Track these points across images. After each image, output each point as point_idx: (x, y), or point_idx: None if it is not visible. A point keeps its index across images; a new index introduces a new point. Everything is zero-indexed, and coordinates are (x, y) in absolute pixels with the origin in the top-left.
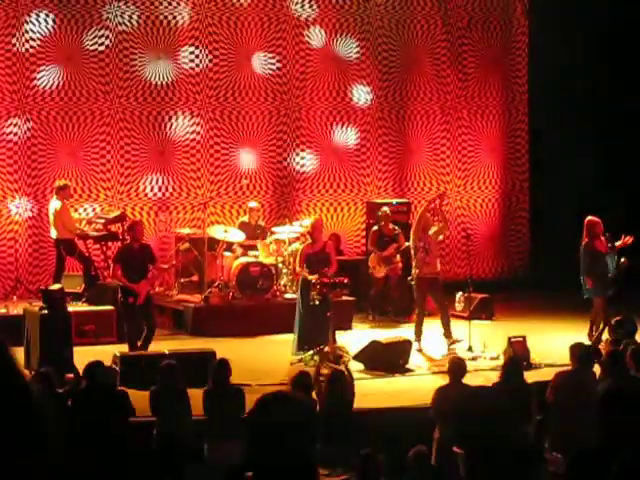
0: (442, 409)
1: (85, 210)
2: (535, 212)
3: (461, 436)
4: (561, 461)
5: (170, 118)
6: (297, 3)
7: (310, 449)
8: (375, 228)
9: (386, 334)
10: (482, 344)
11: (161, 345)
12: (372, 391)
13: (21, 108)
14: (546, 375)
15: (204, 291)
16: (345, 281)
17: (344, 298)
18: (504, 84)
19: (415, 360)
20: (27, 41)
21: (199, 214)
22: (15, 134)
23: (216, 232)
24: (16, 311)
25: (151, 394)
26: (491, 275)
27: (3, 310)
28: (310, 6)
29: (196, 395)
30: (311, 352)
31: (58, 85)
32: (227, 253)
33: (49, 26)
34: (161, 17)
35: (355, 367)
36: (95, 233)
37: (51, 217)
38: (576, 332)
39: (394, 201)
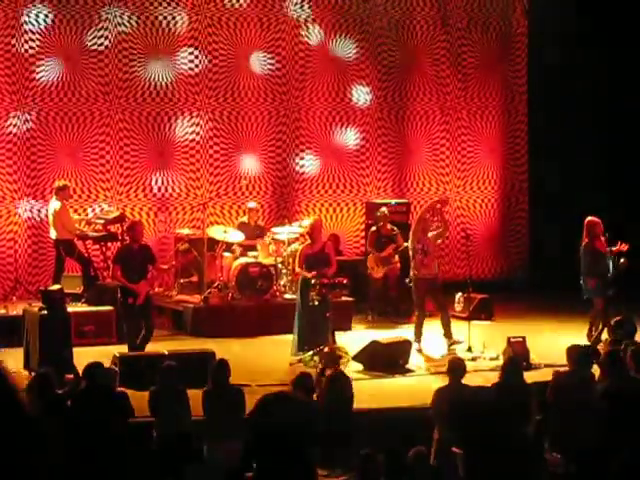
0: (442, 409)
1: (85, 211)
2: (535, 213)
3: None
4: (561, 461)
5: (169, 119)
6: (296, 4)
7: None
8: (373, 229)
9: (386, 334)
10: (482, 344)
11: (161, 345)
12: (372, 391)
13: (20, 109)
14: (546, 375)
15: (203, 291)
16: (344, 281)
17: (343, 299)
18: (503, 85)
19: (415, 360)
20: (26, 41)
21: (198, 214)
22: (15, 135)
23: (215, 233)
24: (15, 312)
25: (150, 395)
26: (490, 275)
27: (3, 311)
28: (309, 7)
29: (196, 395)
30: (310, 352)
31: (57, 85)
32: (226, 254)
33: (48, 26)
34: (160, 17)
35: (355, 367)
36: (94, 234)
37: (50, 218)
38: (576, 332)
39: (393, 201)
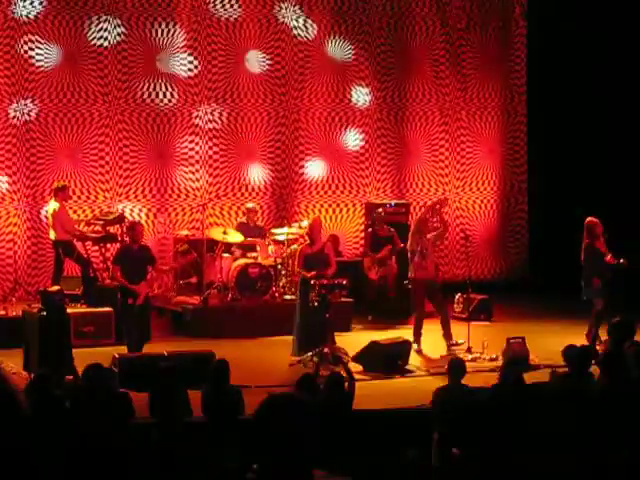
0: (441, 409)
1: (84, 211)
2: (534, 213)
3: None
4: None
5: (169, 119)
6: (295, 5)
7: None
8: (370, 230)
9: (385, 335)
10: (481, 345)
11: (160, 346)
12: (371, 392)
13: (20, 110)
14: (545, 376)
15: (203, 292)
16: (344, 282)
17: (343, 299)
18: (503, 85)
19: (414, 361)
20: (26, 42)
21: (198, 216)
22: (14, 135)
23: (215, 234)
24: (15, 313)
25: (150, 395)
26: (490, 276)
27: (2, 312)
28: (308, 8)
29: (195, 396)
30: (310, 353)
31: (57, 85)
32: (226, 254)
33: (48, 27)
34: (159, 18)
35: (354, 368)
36: (94, 235)
37: (50, 219)
38: (575, 333)
39: (393, 202)
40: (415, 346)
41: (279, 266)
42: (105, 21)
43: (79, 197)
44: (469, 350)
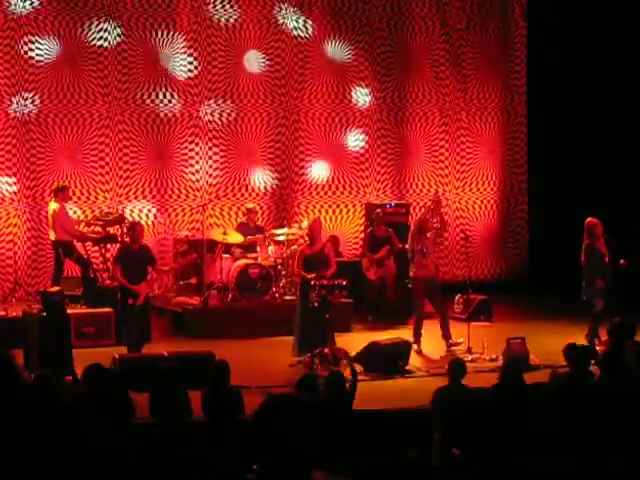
0: (441, 410)
1: (84, 212)
2: (534, 213)
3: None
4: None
5: (169, 120)
6: (295, 5)
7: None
8: (368, 230)
9: (385, 336)
10: (481, 345)
11: (160, 347)
12: (371, 393)
13: (20, 110)
14: (546, 376)
15: (203, 293)
16: (344, 283)
17: (342, 300)
18: (503, 86)
19: (415, 361)
20: (26, 43)
21: (198, 216)
22: (14, 136)
23: (215, 234)
24: (15, 313)
25: (150, 396)
26: (490, 277)
27: (2, 312)
28: (309, 8)
29: (195, 397)
30: (310, 354)
31: (57, 86)
32: (226, 255)
33: (48, 28)
34: (160, 19)
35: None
36: (94, 235)
37: (49, 219)
38: (575, 333)
39: (393, 203)
40: (415, 347)
41: (279, 266)
42: (105, 22)
43: (79, 198)
44: (469, 350)
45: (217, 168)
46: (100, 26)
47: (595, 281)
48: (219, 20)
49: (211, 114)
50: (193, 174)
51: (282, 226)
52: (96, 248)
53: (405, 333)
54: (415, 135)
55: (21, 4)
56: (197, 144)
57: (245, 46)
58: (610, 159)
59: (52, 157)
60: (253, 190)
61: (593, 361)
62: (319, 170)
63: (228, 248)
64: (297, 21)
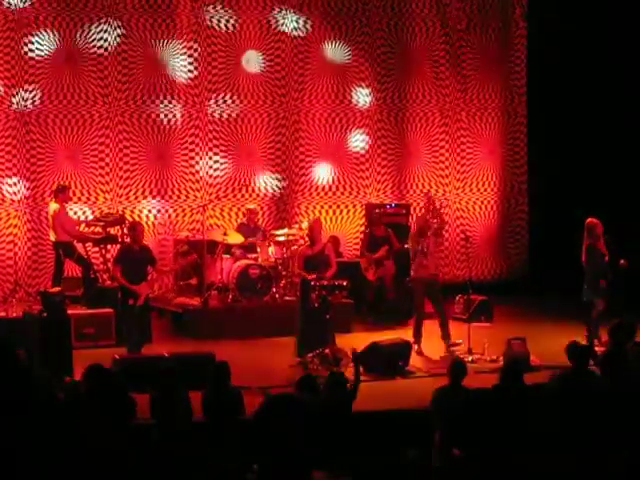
0: (441, 410)
1: (84, 213)
2: (534, 214)
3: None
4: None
5: (169, 121)
6: (294, 6)
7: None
8: (367, 230)
9: (385, 336)
10: (482, 346)
11: (161, 348)
12: (372, 393)
13: (20, 111)
14: (546, 377)
15: (203, 294)
16: (344, 283)
17: (343, 300)
18: (503, 86)
19: (415, 362)
20: (26, 44)
21: (198, 217)
22: (14, 137)
23: (215, 235)
24: (15, 314)
25: (151, 397)
26: (490, 277)
27: (2, 313)
28: (308, 9)
29: (195, 398)
30: (311, 354)
31: (57, 87)
32: (226, 255)
33: (47, 29)
34: (159, 20)
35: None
36: (94, 236)
37: (50, 220)
38: (576, 333)
39: (393, 203)
40: (415, 347)
41: (279, 267)
42: (105, 23)
43: (79, 198)
44: (470, 351)
45: (217, 169)
46: (100, 27)
47: (597, 282)
48: (219, 21)
49: (211, 115)
50: (193, 174)
51: (282, 227)
52: (96, 249)
53: (405, 333)
54: (415, 136)
55: (22, 5)
56: (197, 144)
57: (245, 47)
58: (610, 159)
59: (52, 158)
60: (253, 191)
61: (593, 361)
62: (319, 171)
63: (228, 249)
64: (297, 22)
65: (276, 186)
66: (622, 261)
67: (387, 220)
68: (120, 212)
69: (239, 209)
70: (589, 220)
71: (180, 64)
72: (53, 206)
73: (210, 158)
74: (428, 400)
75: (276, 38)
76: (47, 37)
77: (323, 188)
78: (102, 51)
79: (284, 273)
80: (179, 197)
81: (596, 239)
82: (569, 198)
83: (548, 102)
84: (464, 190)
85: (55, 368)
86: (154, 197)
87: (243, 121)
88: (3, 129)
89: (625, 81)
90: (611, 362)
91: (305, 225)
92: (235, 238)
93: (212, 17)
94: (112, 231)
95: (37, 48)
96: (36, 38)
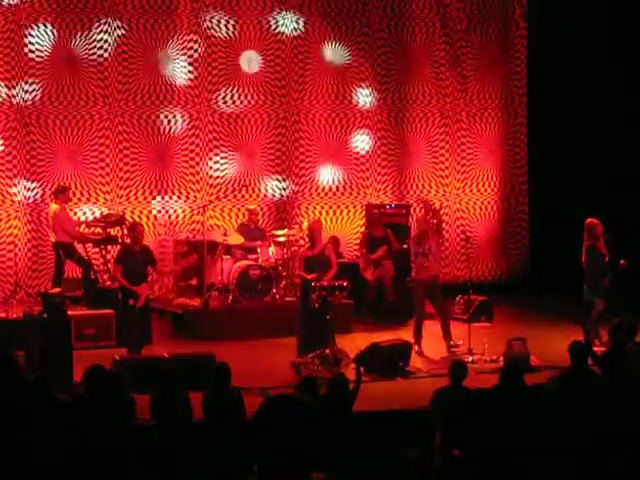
0: (441, 411)
1: (85, 214)
2: (534, 214)
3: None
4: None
5: (169, 122)
6: (295, 7)
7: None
8: (365, 231)
9: (386, 337)
10: (482, 347)
11: (161, 349)
12: (372, 394)
13: (20, 112)
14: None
15: (204, 294)
16: (345, 284)
17: (343, 301)
18: (503, 86)
19: (415, 363)
20: (26, 45)
21: (198, 217)
22: (14, 138)
23: (215, 235)
24: (16, 315)
25: (151, 398)
26: (490, 278)
27: (3, 314)
28: (309, 9)
29: (196, 398)
30: (311, 355)
31: (57, 88)
32: (226, 256)
33: (48, 30)
34: (160, 21)
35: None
36: (94, 236)
37: (50, 220)
38: (576, 334)
39: (393, 204)
40: (416, 347)
41: (280, 267)
42: (105, 23)
43: (79, 199)
44: (470, 352)
45: (217, 169)
46: (100, 28)
47: (597, 282)
48: (219, 22)
49: (211, 115)
50: (194, 175)
51: (283, 227)
52: (97, 249)
53: (406, 334)
54: (415, 136)
55: (22, 6)
56: (197, 145)
57: (245, 48)
58: (610, 160)
59: (52, 158)
60: (254, 191)
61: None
62: (319, 171)
63: (229, 249)
64: (297, 22)
65: (276, 186)
66: (622, 261)
67: (387, 220)
68: (121, 212)
69: (239, 210)
70: (589, 220)
71: (180, 64)
72: (53, 207)
73: (210, 159)
74: (428, 400)
75: (276, 39)
76: (47, 37)
77: (323, 189)
78: (102, 52)
79: (284, 274)
80: (179, 198)
81: (596, 239)
82: (569, 198)
83: (548, 102)
84: (464, 190)
85: (55, 369)
86: (162, 197)
87: (243, 122)
88: (3, 130)
89: (625, 81)
90: (611, 362)
91: (305, 226)
92: (235, 239)
93: (212, 18)
94: (112, 232)
95: (37, 49)
96: (36, 39)
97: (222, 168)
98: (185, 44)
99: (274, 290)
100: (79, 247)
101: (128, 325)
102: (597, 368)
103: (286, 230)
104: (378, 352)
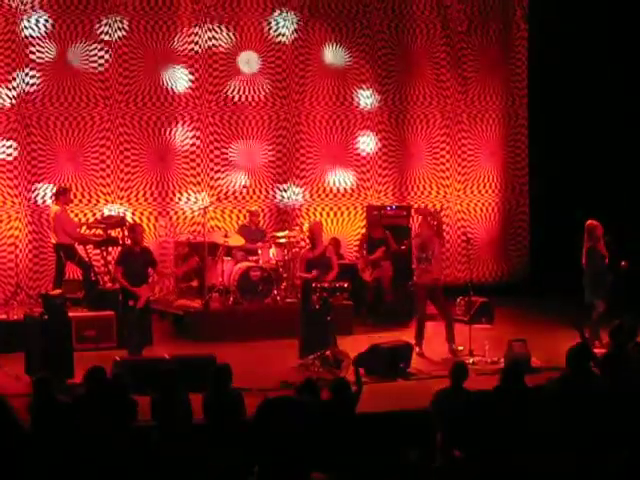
0: (442, 412)
1: (85, 215)
2: (535, 216)
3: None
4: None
5: (170, 123)
6: (295, 9)
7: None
8: (364, 232)
9: (386, 338)
10: (483, 348)
11: (162, 350)
12: (373, 395)
13: (20, 113)
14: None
15: (204, 296)
16: (345, 285)
17: (344, 302)
18: (504, 88)
19: (416, 364)
20: (26, 46)
21: (199, 219)
22: (15, 139)
23: (216, 237)
24: (16, 316)
25: (151, 399)
26: (491, 279)
27: (4, 315)
28: (309, 11)
29: (196, 400)
30: (312, 356)
31: (58, 89)
32: (227, 258)
33: (48, 31)
34: (160, 22)
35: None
36: (95, 238)
37: (51, 222)
38: (576, 335)
39: (394, 205)
40: (417, 349)
41: (281, 269)
42: (106, 24)
43: (80, 200)
44: (471, 353)
45: (218, 171)
46: (101, 29)
47: (597, 283)
48: (219, 22)
49: (212, 116)
50: (194, 177)
51: (283, 229)
52: (97, 251)
53: (406, 335)
54: (416, 137)
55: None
56: (198, 147)
57: (246, 48)
58: (610, 161)
59: (53, 160)
60: (254, 192)
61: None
62: (320, 172)
63: (229, 251)
64: (298, 24)
65: (277, 187)
66: (623, 262)
67: (388, 222)
68: (122, 214)
69: (240, 211)
70: (589, 222)
71: (181, 65)
72: (54, 208)
73: (211, 160)
74: (429, 401)
75: (277, 40)
76: (48, 38)
77: (324, 190)
78: (103, 53)
79: (285, 275)
80: (180, 199)
81: (596, 241)
82: (570, 199)
83: (549, 104)
84: (465, 192)
85: (56, 370)
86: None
87: (244, 123)
88: (4, 131)
89: (625, 82)
90: (612, 363)
91: (306, 227)
92: (236, 240)
93: (213, 19)
94: (113, 233)
95: (38, 50)
96: (37, 39)
97: (223, 170)
98: (186, 45)
99: (275, 291)
100: (80, 249)
101: (129, 326)
102: (597, 369)
103: (287, 232)
104: (379, 353)
